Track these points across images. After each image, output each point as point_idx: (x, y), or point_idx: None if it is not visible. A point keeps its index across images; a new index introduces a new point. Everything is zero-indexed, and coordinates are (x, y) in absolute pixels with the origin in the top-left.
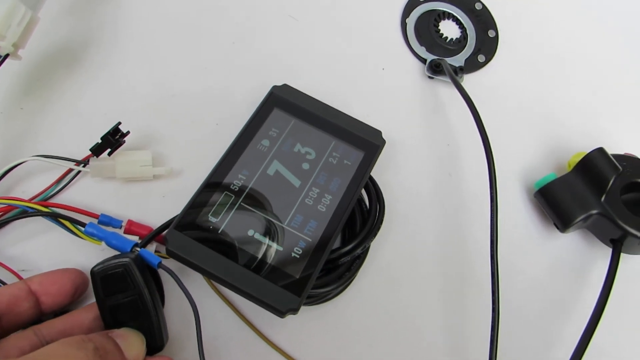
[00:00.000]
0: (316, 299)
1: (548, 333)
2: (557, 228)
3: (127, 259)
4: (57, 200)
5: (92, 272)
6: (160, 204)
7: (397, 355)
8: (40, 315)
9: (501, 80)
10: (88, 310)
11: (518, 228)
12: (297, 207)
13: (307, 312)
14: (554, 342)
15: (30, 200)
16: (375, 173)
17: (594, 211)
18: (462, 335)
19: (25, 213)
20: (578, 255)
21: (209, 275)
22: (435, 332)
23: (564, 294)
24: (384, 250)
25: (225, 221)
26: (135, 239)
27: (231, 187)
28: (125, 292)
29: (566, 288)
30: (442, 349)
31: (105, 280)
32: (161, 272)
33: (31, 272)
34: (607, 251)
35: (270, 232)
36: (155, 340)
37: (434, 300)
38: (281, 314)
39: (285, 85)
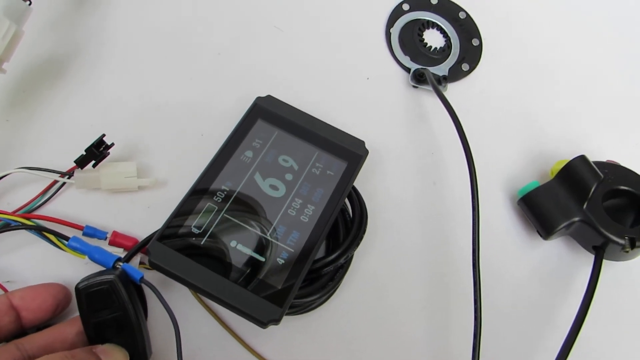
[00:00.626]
0: (300, 309)
1: (531, 339)
2: (540, 235)
3: (112, 276)
4: (42, 211)
5: (77, 288)
6: (145, 214)
7: None
8: (21, 330)
9: (485, 89)
10: (72, 324)
11: (501, 235)
12: (279, 218)
13: (291, 322)
14: (537, 348)
15: (14, 213)
16: (359, 182)
17: (576, 218)
18: (446, 342)
19: (8, 226)
20: (561, 262)
21: (190, 287)
22: (419, 340)
23: (547, 301)
24: (369, 259)
25: (208, 232)
26: (120, 250)
27: (214, 198)
28: (110, 308)
29: (549, 295)
30: (427, 355)
31: (90, 296)
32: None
33: (16, 283)
34: (590, 258)
35: (252, 243)
36: (139, 355)
37: (418, 309)
38: (263, 324)
39: (269, 96)
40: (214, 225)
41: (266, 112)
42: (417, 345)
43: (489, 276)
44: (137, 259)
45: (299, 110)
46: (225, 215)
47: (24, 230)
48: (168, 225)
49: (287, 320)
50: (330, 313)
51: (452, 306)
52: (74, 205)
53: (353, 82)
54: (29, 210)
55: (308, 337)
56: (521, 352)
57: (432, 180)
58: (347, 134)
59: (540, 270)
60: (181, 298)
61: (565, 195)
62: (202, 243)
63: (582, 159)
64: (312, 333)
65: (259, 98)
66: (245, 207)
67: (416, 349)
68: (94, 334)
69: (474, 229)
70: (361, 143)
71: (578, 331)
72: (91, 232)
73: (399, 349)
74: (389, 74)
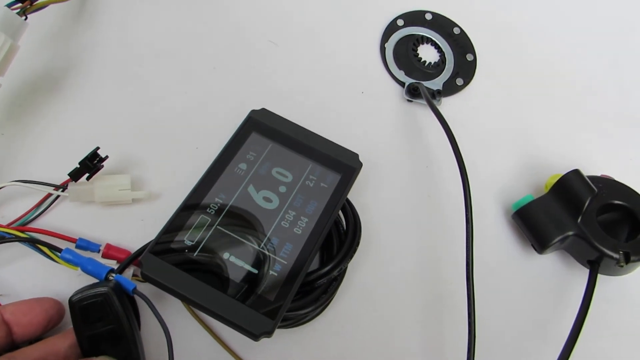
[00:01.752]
0: (294, 322)
1: (525, 354)
2: (535, 249)
3: (105, 288)
4: (36, 224)
5: (71, 301)
6: (139, 227)
7: None
8: (12, 344)
9: (479, 103)
10: (64, 337)
11: (496, 249)
12: (273, 230)
13: (285, 335)
14: None
15: (8, 226)
16: (354, 195)
17: (571, 232)
18: (440, 356)
19: (2, 239)
20: (556, 276)
21: (183, 299)
22: (413, 353)
23: (541, 315)
24: (363, 272)
25: (201, 244)
26: (113, 263)
27: (208, 210)
28: (104, 320)
29: (544, 309)
30: None
31: (84, 309)
32: (137, 296)
33: (9, 296)
34: (585, 272)
35: (245, 255)
36: None
37: (412, 322)
38: (255, 337)
39: (263, 109)
40: (206, 238)
41: (260, 124)
42: (411, 356)
43: (483, 289)
44: (129, 272)
45: (293, 123)
46: (218, 227)
47: (17, 243)
48: (161, 237)
49: (280, 333)
50: (324, 326)
51: (447, 319)
52: (67, 218)
53: (348, 95)
54: (23, 223)
55: (301, 351)
56: None
57: (427, 193)
58: (341, 146)
59: (534, 284)
60: (174, 310)
61: (559, 209)
62: (194, 255)
63: (576, 172)
64: (306, 346)
65: (253, 111)
66: (238, 219)
67: None
68: (88, 347)
69: (467, 242)
70: (355, 156)
71: (573, 346)
72: (84, 244)
73: None
74: (383, 88)
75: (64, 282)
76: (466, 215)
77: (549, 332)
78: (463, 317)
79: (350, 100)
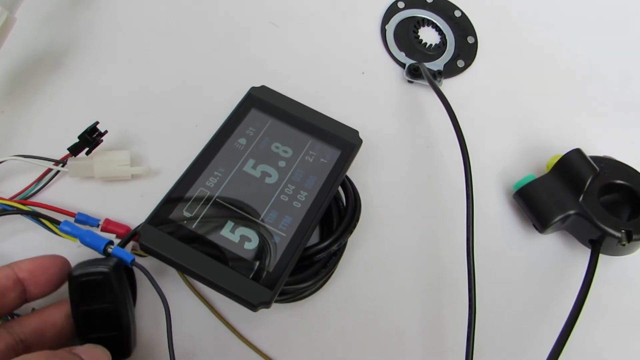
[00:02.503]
0: (293, 296)
1: (526, 334)
2: (536, 229)
3: (107, 269)
4: (36, 199)
5: (71, 275)
6: (138, 203)
7: (374, 353)
8: (23, 304)
9: (480, 85)
10: (59, 308)
11: (497, 229)
12: (272, 203)
13: (284, 310)
14: (532, 343)
15: (11, 199)
16: (354, 174)
17: (572, 211)
18: (440, 332)
19: (4, 211)
20: (557, 256)
21: (181, 269)
22: (412, 331)
23: (542, 295)
24: (362, 249)
25: (200, 216)
26: (112, 237)
27: (207, 183)
28: (101, 299)
29: (545, 289)
30: (420, 347)
31: (84, 285)
32: (135, 269)
33: None
34: (587, 252)
35: (244, 227)
36: (123, 348)
37: (412, 299)
38: (253, 307)
39: (263, 86)
40: (205, 210)
41: (260, 101)
42: (410, 334)
43: (484, 269)
44: (129, 246)
45: (293, 100)
46: (217, 199)
47: (18, 217)
48: (160, 208)
49: (280, 307)
50: (323, 301)
51: (447, 297)
52: (67, 193)
53: (348, 76)
54: (23, 198)
55: (301, 325)
56: (515, 346)
57: (427, 174)
58: (341, 123)
59: (536, 263)
60: (171, 284)
61: (561, 188)
62: (193, 227)
63: (578, 152)
64: (305, 321)
65: (253, 88)
66: (237, 192)
67: (409, 338)
68: (82, 322)
69: (468, 218)
70: (355, 132)
71: (572, 326)
72: (83, 219)
73: (392, 338)
74: (384, 69)
75: (63, 254)
76: (467, 191)
77: (549, 312)
78: (463, 295)
79: (351, 81)
